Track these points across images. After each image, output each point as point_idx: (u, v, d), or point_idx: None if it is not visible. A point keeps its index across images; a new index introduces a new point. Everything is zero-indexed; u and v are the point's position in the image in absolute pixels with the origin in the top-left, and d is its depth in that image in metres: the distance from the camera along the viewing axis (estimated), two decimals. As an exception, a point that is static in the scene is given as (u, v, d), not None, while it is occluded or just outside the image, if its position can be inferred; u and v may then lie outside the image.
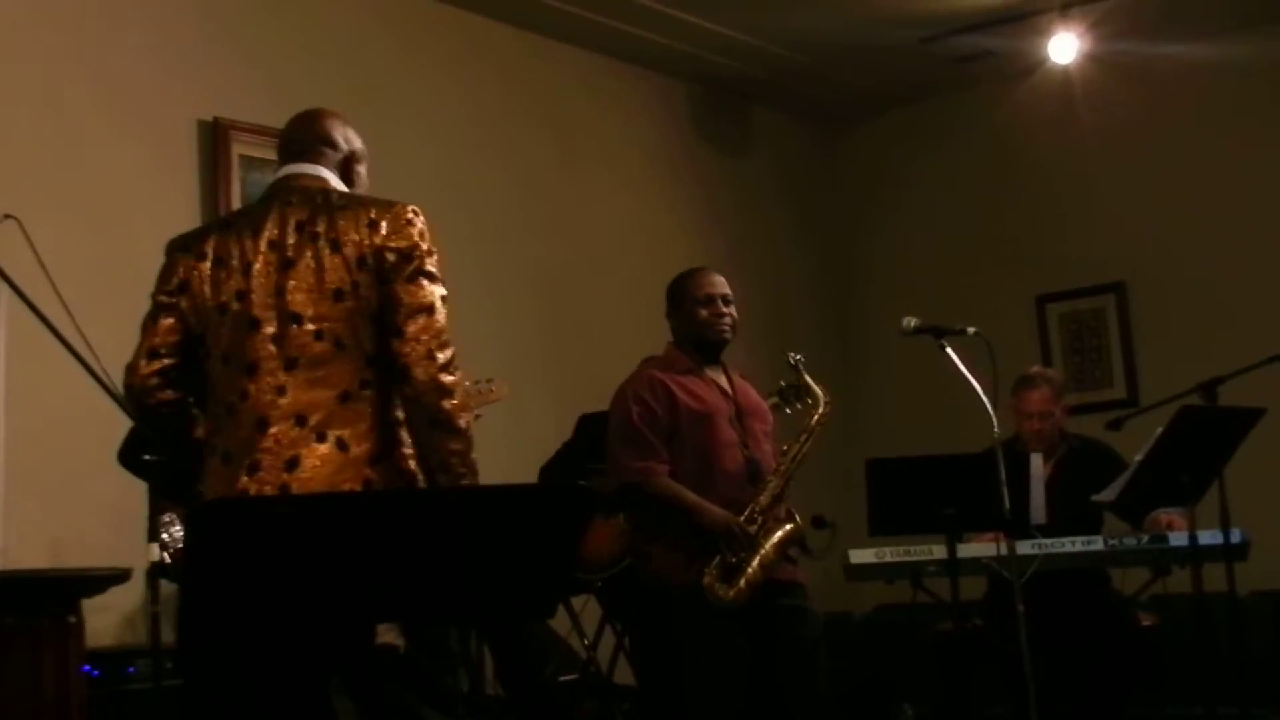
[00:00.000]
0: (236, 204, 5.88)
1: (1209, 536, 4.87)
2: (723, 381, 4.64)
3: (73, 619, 3.02)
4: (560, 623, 5.69)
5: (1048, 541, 4.99)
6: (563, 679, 5.82)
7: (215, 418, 3.20)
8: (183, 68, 5.83)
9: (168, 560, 4.24)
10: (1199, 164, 7.60)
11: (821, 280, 8.70)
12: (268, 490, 3.04)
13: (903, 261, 8.56)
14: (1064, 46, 7.36)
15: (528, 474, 5.42)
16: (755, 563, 4.34)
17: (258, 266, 3.18)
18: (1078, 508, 5.16)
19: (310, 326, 3.13)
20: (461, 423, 3.12)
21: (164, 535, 4.29)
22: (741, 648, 4.36)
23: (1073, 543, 5.06)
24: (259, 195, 5.75)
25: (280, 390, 3.11)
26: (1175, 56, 7.48)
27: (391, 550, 2.42)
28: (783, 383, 4.79)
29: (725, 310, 4.63)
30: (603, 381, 4.90)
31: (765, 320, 7.09)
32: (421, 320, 3.13)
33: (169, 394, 3.28)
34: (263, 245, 3.20)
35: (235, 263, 3.21)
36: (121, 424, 3.73)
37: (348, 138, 3.49)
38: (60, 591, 3.07)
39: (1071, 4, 7.14)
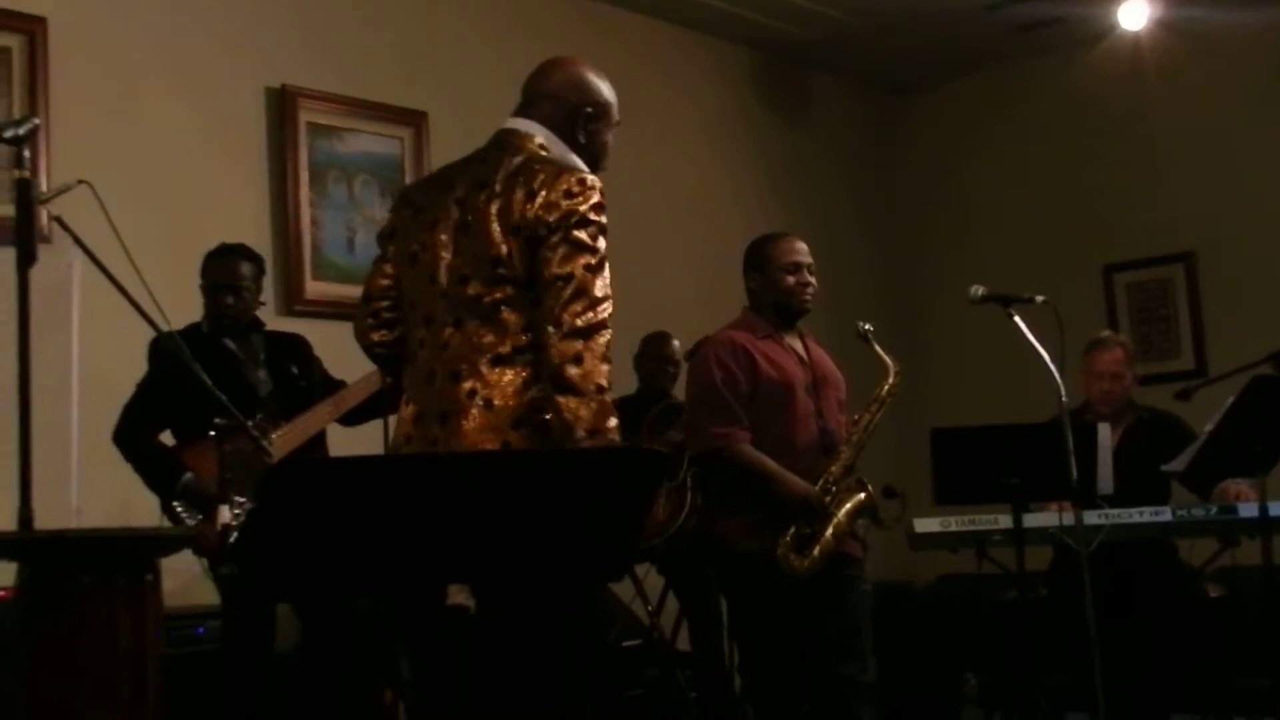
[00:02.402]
0: (304, 171, 5.93)
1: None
2: (799, 348, 4.63)
3: (149, 578, 3.06)
4: (624, 589, 5.72)
5: (1115, 512, 4.95)
6: (626, 645, 5.86)
7: (406, 362, 3.30)
8: (249, 36, 5.87)
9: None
10: (1269, 132, 7.50)
11: (885, 249, 8.65)
12: (421, 441, 3.12)
13: (968, 230, 8.50)
14: (1134, 13, 7.28)
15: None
16: (829, 532, 4.35)
17: (442, 223, 3.22)
18: (1146, 478, 5.11)
19: (472, 290, 3.13)
20: (588, 386, 3.03)
21: (179, 508, 4.37)
22: (800, 616, 4.38)
23: (1140, 513, 5.01)
24: (322, 162, 5.96)
25: (445, 346, 3.15)
26: (1247, 23, 7.38)
27: (463, 512, 2.43)
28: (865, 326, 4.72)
29: (810, 279, 4.62)
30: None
31: (828, 289, 7.00)
32: (556, 289, 3.05)
33: (380, 334, 3.38)
34: (450, 202, 3.22)
35: (428, 215, 3.25)
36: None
37: (582, 91, 3.40)
38: (137, 551, 3.11)
39: (1142, -31, 7.06)
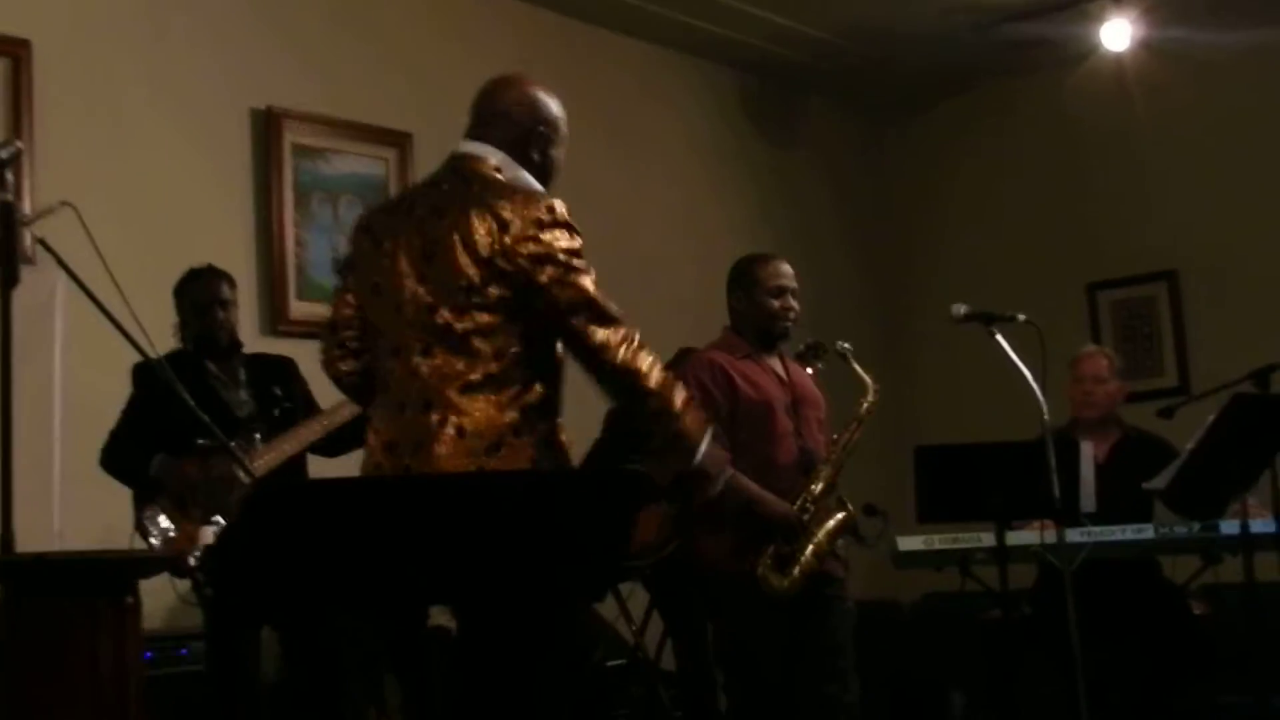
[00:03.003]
0: (289, 192, 5.94)
1: (1261, 525, 4.83)
2: (779, 368, 4.64)
3: (130, 600, 3.06)
4: (608, 609, 5.72)
5: (1097, 529, 4.96)
6: (610, 664, 5.85)
7: (375, 391, 3.32)
8: (235, 57, 5.88)
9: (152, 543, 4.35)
10: (1252, 152, 7.53)
11: (872, 268, 8.67)
12: (395, 468, 3.13)
13: (953, 249, 8.52)
14: (1117, 33, 7.30)
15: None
16: (809, 551, 4.37)
17: (403, 252, 3.20)
18: (1129, 497, 5.13)
19: (440, 319, 3.13)
20: (648, 384, 3.16)
21: (150, 530, 4.37)
22: (783, 636, 4.39)
23: (1123, 531, 5.02)
24: (307, 183, 5.96)
25: (414, 375, 3.14)
26: (1229, 43, 7.41)
27: (443, 533, 2.44)
28: (802, 345, 4.78)
29: (793, 304, 4.64)
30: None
31: (815, 309, 7.04)
32: (572, 323, 3.15)
33: (348, 364, 3.39)
34: (410, 229, 3.21)
35: (388, 244, 3.24)
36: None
37: (534, 110, 3.41)
38: (117, 573, 3.11)
39: (1124, -11, 7.10)
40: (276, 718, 4.61)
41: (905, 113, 8.82)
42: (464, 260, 3.11)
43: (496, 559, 2.48)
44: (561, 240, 3.16)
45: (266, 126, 5.93)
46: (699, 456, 3.32)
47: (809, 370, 4.75)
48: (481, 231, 3.11)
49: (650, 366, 3.19)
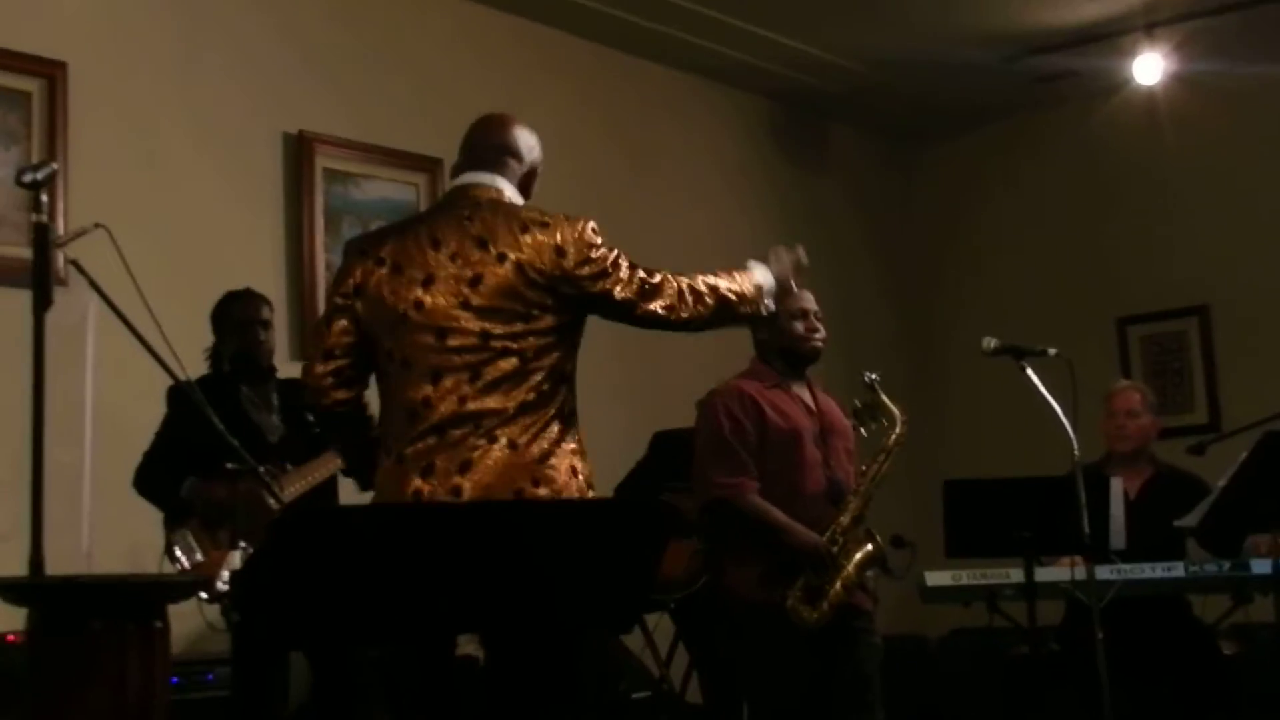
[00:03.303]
0: (320, 216, 5.95)
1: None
2: (807, 397, 4.63)
3: (159, 624, 3.05)
4: (634, 640, 5.70)
5: (1127, 567, 4.93)
6: (635, 696, 5.82)
7: (392, 420, 3.28)
8: (266, 82, 5.91)
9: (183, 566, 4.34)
10: (1284, 187, 7.51)
11: (899, 299, 8.66)
12: (440, 492, 3.14)
13: (982, 281, 8.50)
14: (1149, 67, 7.29)
15: (600, 491, 5.43)
16: (838, 584, 4.34)
17: (440, 279, 3.25)
18: (1160, 534, 5.08)
19: (498, 344, 3.22)
20: (683, 316, 3.49)
21: (178, 553, 4.36)
22: (808, 668, 4.36)
23: (1153, 568, 4.99)
24: (338, 208, 5.96)
25: (462, 398, 3.19)
26: (1261, 77, 7.40)
27: (473, 562, 2.43)
28: (858, 402, 4.76)
29: (817, 325, 4.63)
30: (674, 398, 4.90)
31: (841, 339, 7.03)
32: (640, 305, 3.42)
33: (343, 394, 3.37)
34: (444, 257, 3.27)
35: (416, 272, 3.27)
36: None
37: (530, 148, 3.56)
38: (147, 597, 3.10)
39: (1157, 24, 7.08)
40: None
41: (934, 143, 8.81)
42: (521, 286, 3.25)
43: (525, 588, 2.47)
44: (606, 251, 3.38)
45: (298, 151, 5.95)
46: (767, 299, 3.75)
47: (862, 430, 4.72)
48: (541, 259, 3.26)
49: (697, 302, 3.51)
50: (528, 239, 3.28)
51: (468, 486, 3.14)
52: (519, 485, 3.15)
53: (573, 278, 3.31)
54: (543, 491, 3.17)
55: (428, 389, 3.22)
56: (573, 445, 3.28)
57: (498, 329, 3.23)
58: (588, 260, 3.33)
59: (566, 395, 3.33)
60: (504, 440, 3.17)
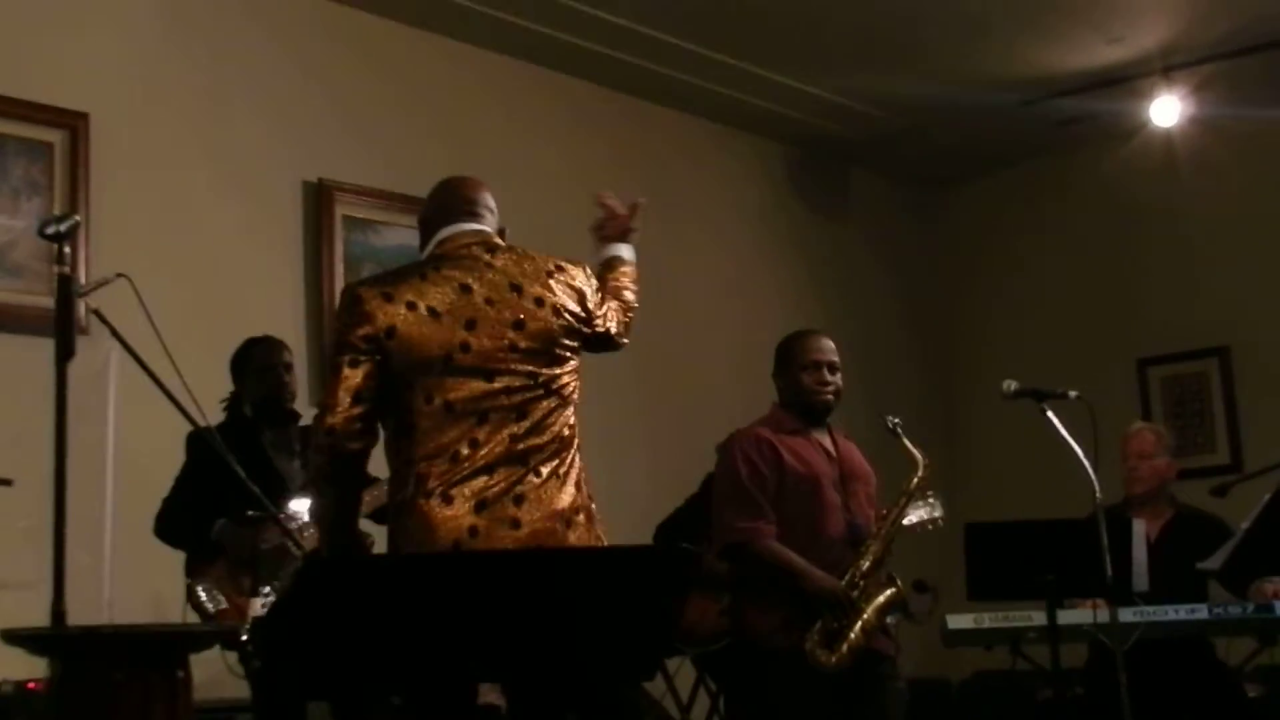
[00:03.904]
0: (340, 264, 5.98)
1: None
2: (827, 443, 4.63)
3: (181, 674, 3.05)
4: (655, 685, 5.67)
5: (1150, 609, 4.91)
6: (657, 741, 5.80)
7: (430, 460, 3.28)
8: (287, 130, 5.95)
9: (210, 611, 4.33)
10: (1304, 228, 7.51)
11: (920, 343, 8.66)
12: (496, 524, 3.22)
13: (1002, 324, 8.50)
14: (1166, 110, 7.30)
15: (625, 537, 5.42)
16: (858, 628, 4.33)
17: (482, 322, 3.34)
18: (1183, 576, 5.06)
19: (540, 385, 3.37)
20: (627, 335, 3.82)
21: (203, 599, 4.35)
22: (831, 713, 4.34)
23: (1176, 610, 4.97)
24: (358, 254, 5.98)
25: (512, 439, 3.30)
26: (1278, 120, 7.40)
27: (493, 610, 2.43)
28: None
29: (830, 379, 4.62)
30: (699, 443, 4.91)
31: (864, 383, 7.04)
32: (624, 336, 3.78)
33: (362, 442, 3.32)
34: (479, 301, 3.36)
35: (456, 316, 3.33)
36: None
37: (494, 209, 3.68)
38: (169, 646, 3.10)
39: (1174, 67, 7.10)
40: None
41: (953, 186, 8.83)
42: (557, 328, 3.42)
43: (549, 635, 2.47)
44: (598, 289, 3.66)
45: (318, 198, 5.99)
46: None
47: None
48: (570, 302, 3.47)
49: (629, 314, 3.87)
50: (554, 284, 3.46)
51: (525, 518, 3.25)
52: (559, 525, 3.29)
53: (590, 318, 3.55)
54: (574, 536, 3.29)
55: (475, 430, 3.28)
56: (584, 475, 3.45)
57: (541, 370, 3.37)
58: (601, 299, 3.62)
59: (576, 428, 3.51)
60: (546, 471, 3.32)
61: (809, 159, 8.21)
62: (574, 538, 3.30)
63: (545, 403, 3.36)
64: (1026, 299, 8.47)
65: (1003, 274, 8.61)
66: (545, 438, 3.34)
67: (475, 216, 3.56)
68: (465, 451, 3.26)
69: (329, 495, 3.35)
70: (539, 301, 3.40)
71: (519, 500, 3.26)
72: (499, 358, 3.33)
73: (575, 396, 3.46)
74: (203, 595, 4.38)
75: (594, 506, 3.43)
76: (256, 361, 4.76)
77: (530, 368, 3.35)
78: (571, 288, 3.50)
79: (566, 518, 3.31)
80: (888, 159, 8.44)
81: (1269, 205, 7.62)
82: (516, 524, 3.24)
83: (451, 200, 3.60)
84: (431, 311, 3.32)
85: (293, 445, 4.74)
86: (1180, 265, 7.89)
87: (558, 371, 3.40)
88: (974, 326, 8.66)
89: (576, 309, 3.48)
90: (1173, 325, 7.85)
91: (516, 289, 3.39)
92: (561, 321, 3.43)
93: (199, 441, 4.31)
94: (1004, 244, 8.63)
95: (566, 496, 3.34)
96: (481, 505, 3.23)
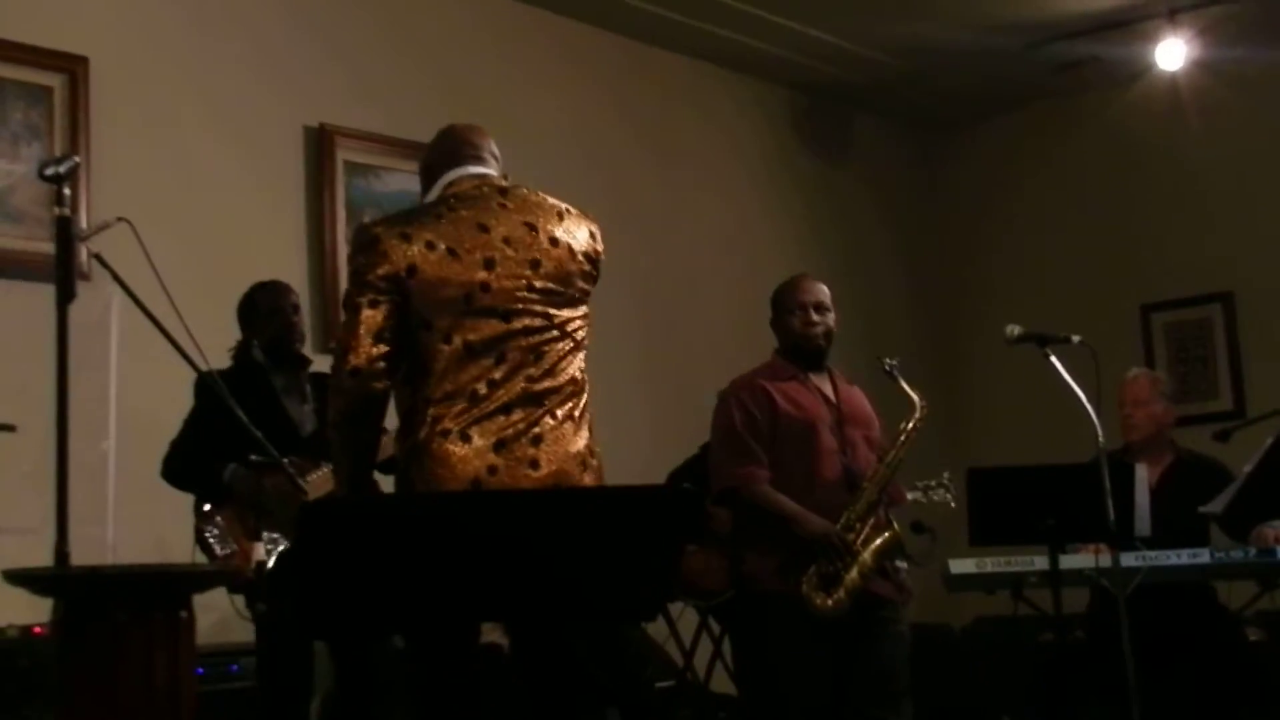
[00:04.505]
0: (341, 209, 5.97)
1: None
2: (827, 388, 4.63)
3: (184, 615, 3.05)
4: (657, 629, 5.70)
5: (1152, 554, 4.91)
6: (659, 685, 5.83)
7: (449, 401, 3.28)
8: (288, 75, 5.92)
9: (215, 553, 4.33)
10: (1309, 172, 7.48)
11: (923, 288, 8.64)
12: (516, 464, 3.24)
13: (1005, 269, 8.49)
14: (1171, 53, 7.26)
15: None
16: (854, 571, 4.34)
17: (500, 262, 3.33)
18: (1184, 520, 5.07)
19: (555, 326, 3.37)
20: None
21: (214, 544, 4.35)
22: (829, 657, 4.36)
23: (1178, 555, 4.97)
24: (359, 200, 5.97)
25: (530, 380, 3.31)
26: (1284, 64, 7.37)
27: (496, 551, 2.43)
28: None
29: (817, 318, 4.61)
30: (700, 390, 4.91)
31: (865, 328, 7.04)
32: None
33: (388, 381, 3.31)
34: (496, 240, 3.35)
35: (476, 256, 3.32)
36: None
37: (498, 156, 3.67)
38: (172, 587, 3.10)
39: (1180, 10, 7.06)
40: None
41: (956, 131, 8.79)
42: (572, 269, 3.43)
43: (552, 576, 2.47)
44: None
45: (319, 144, 5.97)
46: None
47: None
48: (580, 244, 3.47)
49: None
50: (567, 224, 3.47)
51: (543, 459, 3.27)
52: (575, 467, 3.33)
53: (598, 262, 3.52)
54: (589, 479, 3.34)
55: (493, 370, 3.28)
56: (593, 421, 3.46)
57: (557, 312, 3.38)
58: (601, 248, 3.56)
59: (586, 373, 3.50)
60: (561, 414, 3.33)
61: (811, 104, 8.17)
62: (588, 480, 3.34)
63: (559, 345, 3.37)
64: (1029, 244, 8.45)
65: (1006, 219, 8.58)
66: (560, 380, 3.36)
67: (480, 161, 3.55)
68: (484, 391, 3.27)
69: (351, 438, 3.35)
70: (554, 241, 3.41)
71: (537, 440, 3.28)
72: (517, 298, 3.33)
73: (586, 342, 3.47)
74: (211, 538, 4.37)
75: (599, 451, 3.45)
76: (264, 305, 4.75)
77: (546, 309, 3.36)
78: (584, 230, 3.51)
79: (582, 459, 3.34)
80: (891, 104, 8.40)
81: (1273, 149, 7.59)
82: (535, 464, 3.27)
83: (456, 145, 3.59)
84: (451, 251, 3.31)
85: (304, 389, 4.73)
86: (1184, 211, 7.87)
87: (571, 314, 3.41)
88: (977, 271, 8.64)
89: (588, 250, 3.49)
90: (1176, 271, 7.84)
91: (532, 228, 3.39)
92: (576, 262, 3.44)
93: (207, 386, 4.30)
94: (1007, 189, 8.60)
95: (580, 440, 3.37)
96: (500, 445, 3.25)
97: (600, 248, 3.53)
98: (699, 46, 7.42)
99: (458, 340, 3.28)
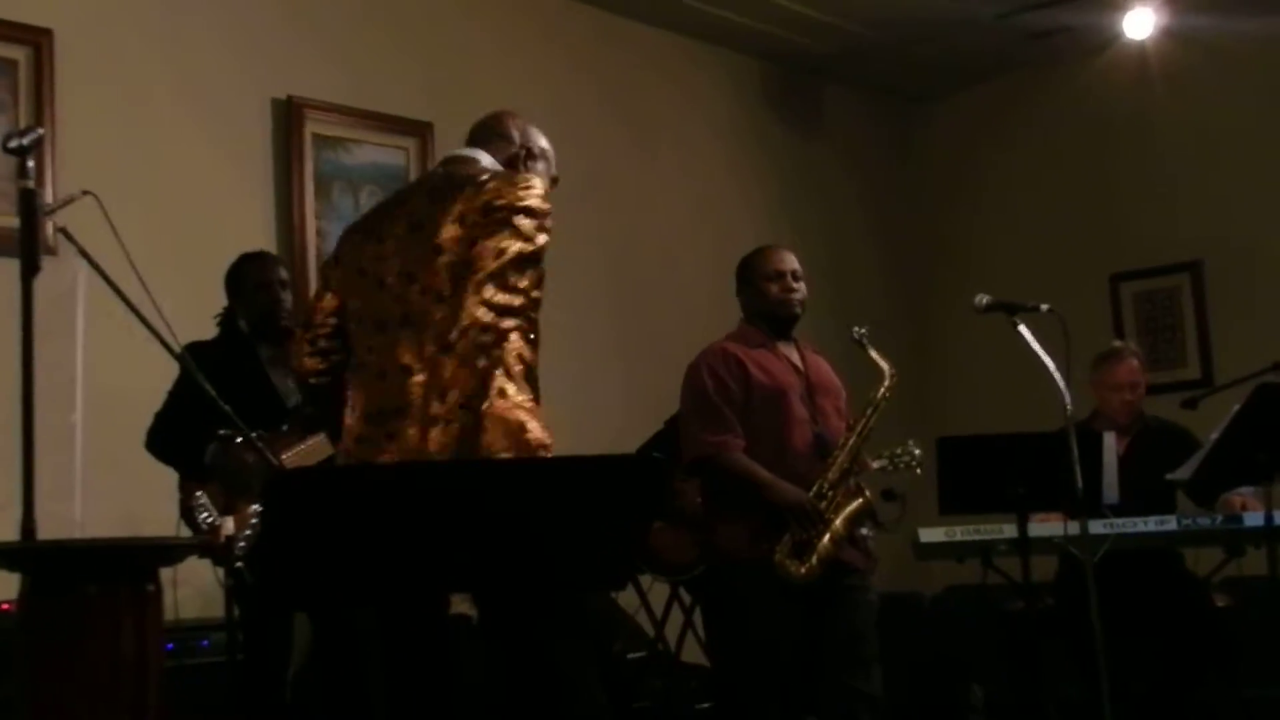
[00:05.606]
0: (309, 182, 5.95)
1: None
2: (794, 357, 4.65)
3: (151, 588, 3.05)
4: (628, 601, 5.72)
5: (1120, 521, 4.94)
6: (630, 656, 5.84)
7: (356, 376, 3.41)
8: (255, 47, 5.89)
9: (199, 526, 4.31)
10: (1277, 141, 7.50)
11: (894, 258, 8.65)
12: (372, 440, 3.27)
13: (976, 239, 8.51)
14: (1140, 22, 7.28)
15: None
16: (826, 539, 4.36)
17: (390, 238, 3.40)
18: (1152, 487, 5.11)
19: (418, 287, 3.31)
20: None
21: (202, 515, 4.33)
22: (799, 624, 4.38)
23: (1145, 522, 5.00)
24: (328, 173, 5.95)
25: (393, 345, 3.31)
26: (1253, 31, 7.37)
27: (463, 521, 2.43)
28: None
29: (795, 286, 4.64)
30: (672, 361, 4.90)
31: (836, 299, 7.05)
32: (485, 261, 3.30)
33: (315, 362, 3.53)
34: (402, 217, 3.41)
35: (380, 234, 3.44)
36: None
37: (526, 135, 3.68)
38: (139, 560, 3.10)
39: (1148, -22, 7.06)
40: (303, 704, 4.60)
41: (927, 102, 8.80)
42: (446, 228, 3.32)
43: (516, 546, 2.47)
44: (521, 202, 3.38)
45: (287, 116, 5.94)
46: None
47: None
48: (464, 200, 3.31)
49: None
50: (466, 187, 3.35)
51: (399, 433, 3.23)
52: (443, 428, 3.22)
53: (479, 209, 3.34)
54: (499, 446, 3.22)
55: (373, 339, 3.35)
56: (525, 401, 3.28)
57: (426, 278, 3.31)
58: (500, 194, 3.37)
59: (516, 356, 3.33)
60: (434, 392, 3.24)
61: (782, 74, 8.16)
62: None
63: (434, 308, 3.36)
64: (1000, 214, 8.46)
65: (976, 189, 8.59)
66: (427, 349, 3.32)
67: (474, 143, 3.64)
68: (368, 360, 3.38)
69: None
70: (442, 209, 3.37)
71: (402, 413, 3.29)
72: (393, 268, 3.40)
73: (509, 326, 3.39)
74: (198, 510, 4.34)
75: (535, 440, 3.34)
76: (251, 278, 4.72)
77: (411, 271, 3.39)
78: (480, 186, 3.38)
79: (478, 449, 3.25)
80: (861, 74, 8.39)
81: (1242, 119, 7.61)
82: (391, 438, 3.27)
83: (470, 133, 3.70)
84: (367, 231, 3.51)
85: (290, 361, 4.71)
86: (1153, 180, 7.89)
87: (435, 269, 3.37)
88: (947, 241, 8.65)
89: (467, 210, 3.37)
90: (1145, 240, 7.86)
91: (434, 196, 3.42)
92: (449, 226, 3.38)
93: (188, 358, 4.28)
94: (977, 159, 8.61)
95: (449, 415, 3.29)
96: (392, 435, 3.29)
97: (514, 191, 3.35)
98: (671, 18, 7.40)
99: (369, 321, 3.44)
